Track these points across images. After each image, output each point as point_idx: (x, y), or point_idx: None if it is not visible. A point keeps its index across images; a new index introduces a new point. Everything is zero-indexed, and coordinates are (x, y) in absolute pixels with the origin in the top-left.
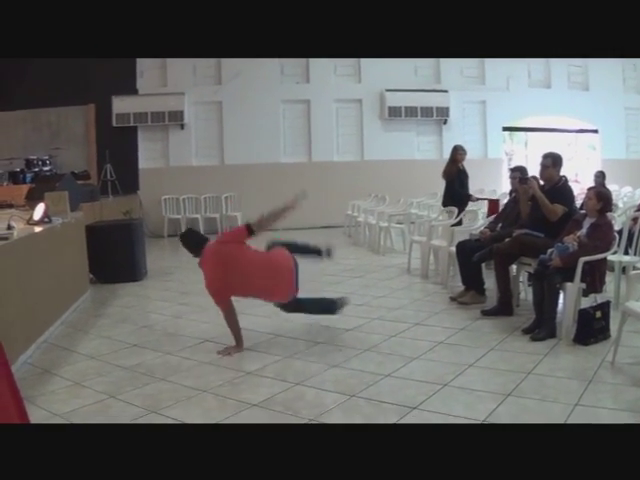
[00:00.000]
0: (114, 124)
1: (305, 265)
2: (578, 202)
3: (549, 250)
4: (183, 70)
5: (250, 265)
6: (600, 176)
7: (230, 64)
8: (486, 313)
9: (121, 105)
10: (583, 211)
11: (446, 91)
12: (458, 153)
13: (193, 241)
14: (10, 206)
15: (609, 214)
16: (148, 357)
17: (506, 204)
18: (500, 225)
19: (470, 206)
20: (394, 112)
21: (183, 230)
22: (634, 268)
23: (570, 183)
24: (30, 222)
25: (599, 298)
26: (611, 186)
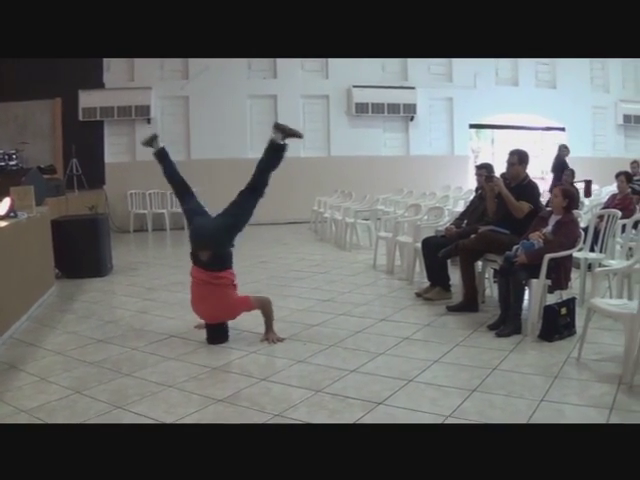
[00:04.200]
0: (80, 118)
1: (272, 260)
2: (544, 199)
3: (514, 247)
4: (150, 65)
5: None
6: (570, 175)
7: (197, 59)
8: (452, 309)
9: (88, 99)
10: (549, 208)
11: (413, 88)
12: (566, 149)
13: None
14: None
15: (575, 211)
16: (114, 352)
17: (472, 201)
18: (465, 222)
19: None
20: (361, 108)
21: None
22: (599, 265)
23: (536, 180)
24: None
25: (564, 295)
26: (578, 184)
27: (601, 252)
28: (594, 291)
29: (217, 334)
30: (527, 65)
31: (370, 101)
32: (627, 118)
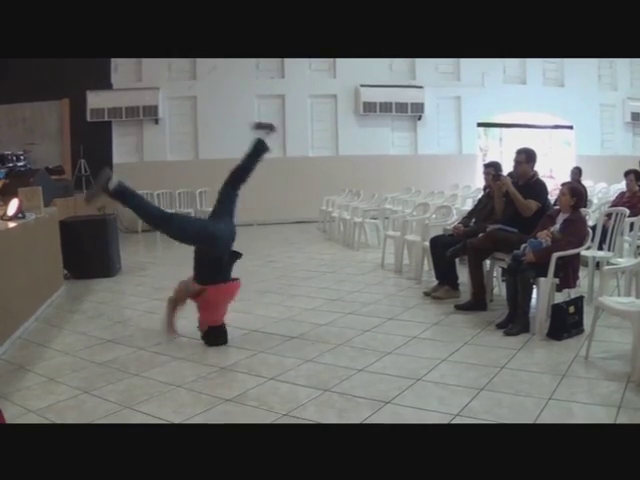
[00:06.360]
0: (88, 119)
1: (281, 259)
2: (552, 197)
3: (522, 245)
4: (158, 65)
5: None
6: (576, 172)
7: (205, 60)
8: (460, 308)
9: (95, 100)
10: (557, 207)
11: (421, 87)
12: None
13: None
14: None
15: (583, 210)
16: (122, 353)
17: (480, 199)
18: (473, 220)
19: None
20: (369, 107)
21: None
22: (607, 263)
23: (544, 179)
24: (4, 218)
25: (573, 293)
26: (586, 182)
27: (609, 250)
28: (602, 289)
29: (217, 335)
30: (535, 64)
31: (378, 100)
32: (635, 116)
